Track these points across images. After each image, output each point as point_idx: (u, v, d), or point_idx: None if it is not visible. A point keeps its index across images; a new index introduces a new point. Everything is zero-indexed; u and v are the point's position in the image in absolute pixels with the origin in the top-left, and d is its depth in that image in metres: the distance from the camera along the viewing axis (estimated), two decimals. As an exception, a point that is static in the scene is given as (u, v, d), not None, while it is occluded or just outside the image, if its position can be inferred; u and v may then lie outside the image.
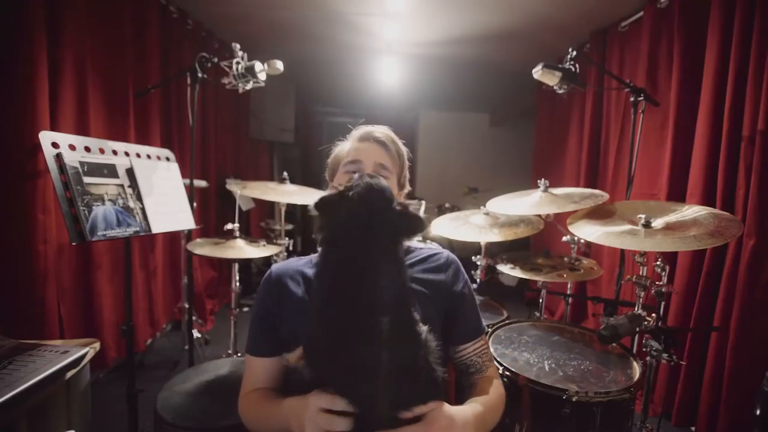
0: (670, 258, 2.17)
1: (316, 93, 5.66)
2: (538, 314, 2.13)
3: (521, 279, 2.03)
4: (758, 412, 1.32)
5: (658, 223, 1.47)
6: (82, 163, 1.30)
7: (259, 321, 0.96)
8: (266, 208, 4.61)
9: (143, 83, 2.50)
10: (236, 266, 2.40)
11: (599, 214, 1.66)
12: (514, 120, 5.69)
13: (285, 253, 2.51)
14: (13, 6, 1.71)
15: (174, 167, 1.73)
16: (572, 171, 3.53)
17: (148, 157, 1.60)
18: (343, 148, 1.01)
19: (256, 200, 3.87)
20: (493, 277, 2.52)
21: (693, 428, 2.10)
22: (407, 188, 1.07)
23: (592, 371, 1.34)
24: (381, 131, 1.00)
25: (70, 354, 1.19)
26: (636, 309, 1.46)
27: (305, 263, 1.00)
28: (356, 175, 0.80)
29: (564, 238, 2.04)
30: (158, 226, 1.51)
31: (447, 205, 4.94)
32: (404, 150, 1.02)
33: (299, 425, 0.73)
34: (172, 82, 2.79)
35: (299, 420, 0.73)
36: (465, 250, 4.07)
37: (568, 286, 2.29)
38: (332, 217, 0.73)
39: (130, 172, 1.48)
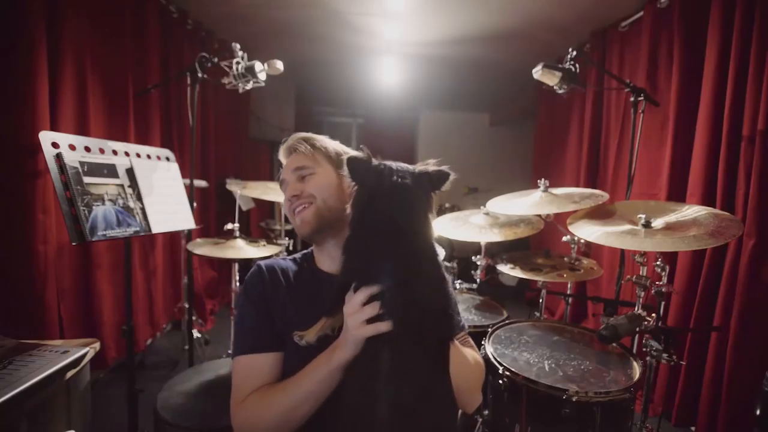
0: (670, 258, 2.17)
1: (316, 93, 5.65)
2: (538, 314, 2.13)
3: (521, 279, 2.03)
4: (758, 412, 1.32)
5: (658, 223, 1.47)
6: (82, 163, 1.30)
7: (258, 314, 0.89)
8: (266, 208, 4.61)
9: (143, 83, 2.50)
10: (236, 266, 2.40)
11: (599, 214, 1.66)
12: (514, 120, 5.68)
13: (285, 253, 2.51)
14: (13, 5, 1.71)
15: (174, 167, 1.73)
16: (572, 171, 3.53)
17: (148, 157, 1.60)
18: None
19: (256, 200, 3.87)
20: (493, 277, 2.51)
21: (693, 428, 2.10)
22: None
23: (592, 371, 1.35)
24: (290, 139, 0.98)
25: (70, 354, 1.19)
26: (636, 309, 1.45)
27: (291, 262, 1.00)
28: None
29: (564, 238, 2.03)
30: (158, 226, 1.51)
31: (447, 205, 4.94)
32: (323, 138, 0.99)
33: (342, 347, 0.74)
34: (172, 82, 2.79)
35: (333, 350, 0.75)
36: (465, 250, 4.08)
37: (568, 286, 2.28)
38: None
39: (130, 172, 1.48)
